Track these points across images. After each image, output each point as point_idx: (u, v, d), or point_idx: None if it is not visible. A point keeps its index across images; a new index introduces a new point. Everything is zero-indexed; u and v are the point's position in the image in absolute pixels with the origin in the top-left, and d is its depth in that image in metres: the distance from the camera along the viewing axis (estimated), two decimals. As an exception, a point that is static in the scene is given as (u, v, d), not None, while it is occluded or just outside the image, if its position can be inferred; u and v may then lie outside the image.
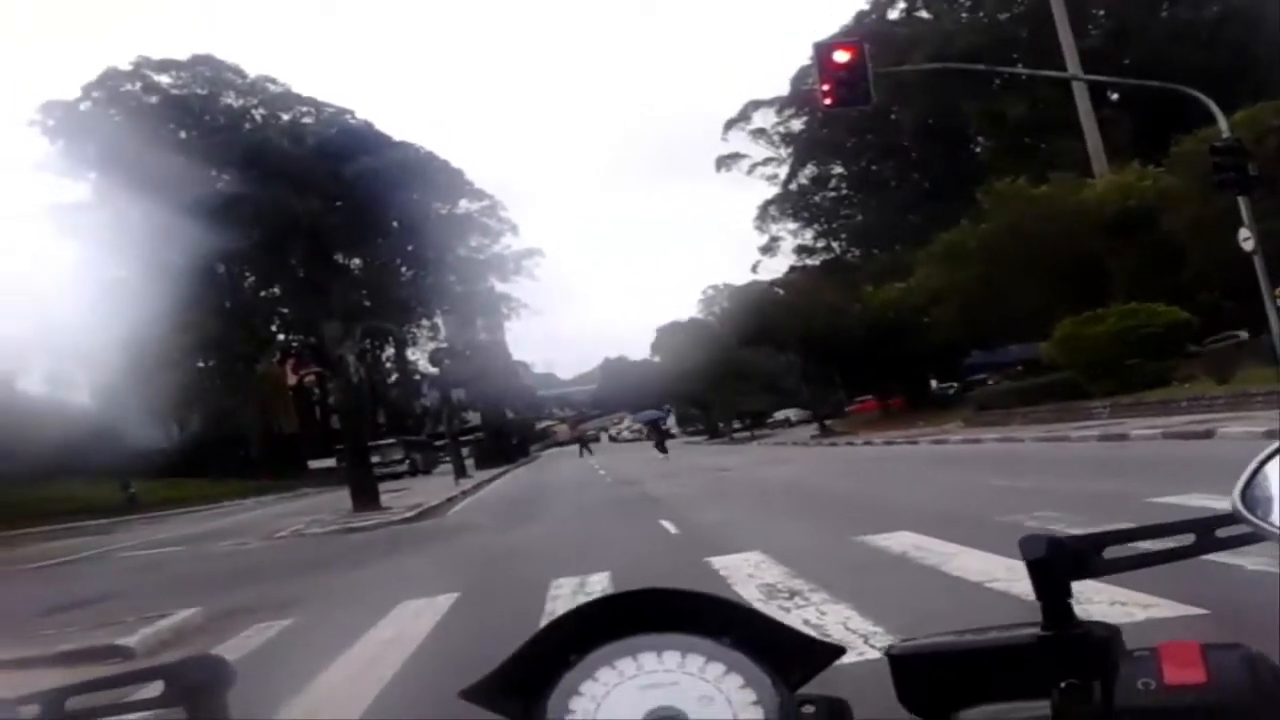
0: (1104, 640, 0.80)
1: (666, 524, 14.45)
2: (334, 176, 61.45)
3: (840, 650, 0.94)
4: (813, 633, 1.81)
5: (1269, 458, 0.85)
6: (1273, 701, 0.73)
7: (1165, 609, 5.08)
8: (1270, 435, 15.28)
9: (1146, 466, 14.70)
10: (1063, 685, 0.79)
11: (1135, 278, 31.69)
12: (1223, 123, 18.57)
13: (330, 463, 51.80)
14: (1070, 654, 0.80)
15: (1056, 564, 0.82)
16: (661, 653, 0.88)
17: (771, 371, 55.87)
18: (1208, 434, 17.22)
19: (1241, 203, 17.52)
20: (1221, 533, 0.86)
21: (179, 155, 57.35)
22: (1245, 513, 0.83)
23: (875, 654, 4.51)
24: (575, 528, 16.80)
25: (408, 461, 60.36)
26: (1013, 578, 7.07)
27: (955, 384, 53.51)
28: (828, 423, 51.08)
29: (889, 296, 43.95)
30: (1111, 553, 0.85)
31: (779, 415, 73.39)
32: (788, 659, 0.90)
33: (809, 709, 0.88)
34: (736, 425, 67.88)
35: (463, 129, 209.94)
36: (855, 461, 27.34)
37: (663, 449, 47.86)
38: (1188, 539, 0.87)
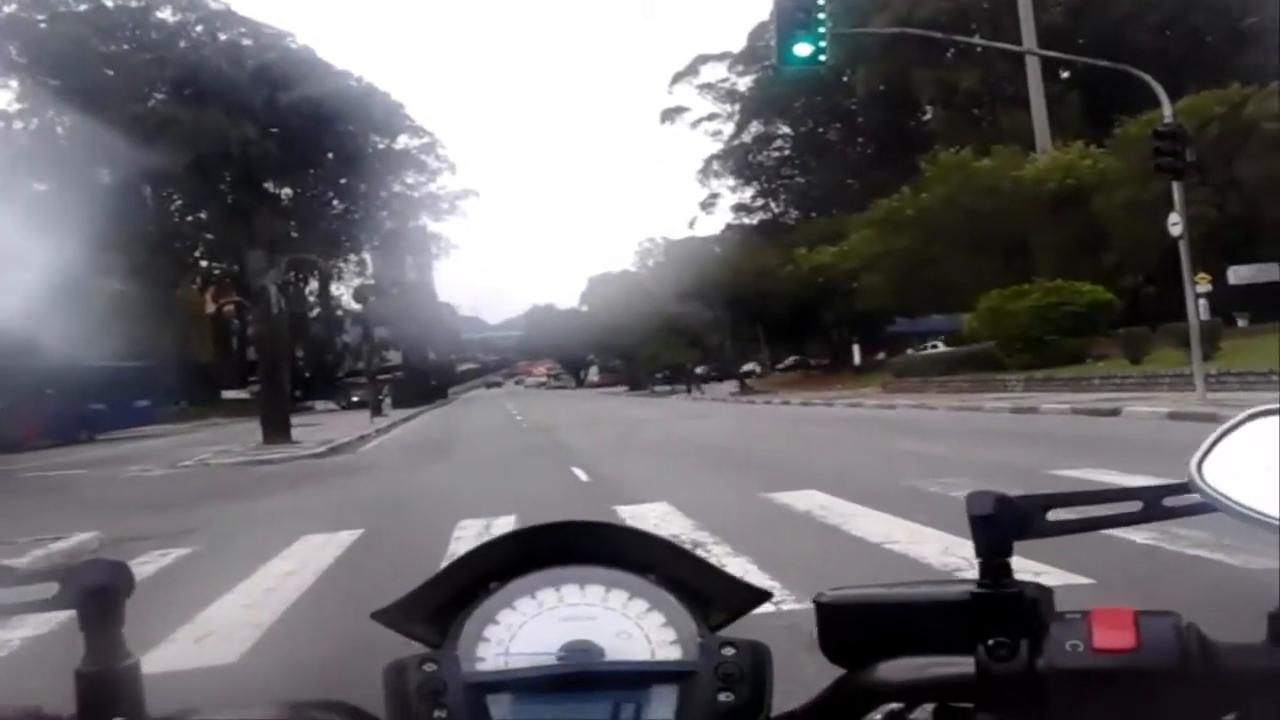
0: (1035, 600, 0.80)
1: (578, 471, 14.53)
2: (270, 103, 59.65)
3: (766, 594, 0.93)
4: None
5: (1231, 429, 0.83)
6: (1201, 671, 0.73)
7: (1053, 577, 5.12)
8: (1174, 416, 15.70)
9: (1052, 440, 15.06)
10: (990, 642, 0.78)
11: (1063, 256, 32.18)
12: (1166, 107, 18.66)
13: (244, 394, 51.26)
14: (1002, 612, 0.79)
15: (1001, 522, 0.81)
16: (584, 586, 0.88)
17: (698, 328, 56.03)
18: (1114, 411, 17.65)
19: (1175, 188, 17.75)
20: (1169, 502, 0.85)
21: (110, 69, 55.57)
22: (1201, 483, 0.81)
23: (791, 606, 4.52)
24: (485, 470, 16.75)
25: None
26: (912, 540, 7.18)
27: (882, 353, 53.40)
28: (748, 381, 51.60)
29: (820, 260, 44.19)
30: (1056, 515, 0.84)
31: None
32: (711, 600, 0.89)
33: (729, 651, 0.86)
34: (658, 378, 68.10)
35: (405, 62, 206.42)
36: (771, 420, 27.57)
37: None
38: (1134, 506, 0.86)
